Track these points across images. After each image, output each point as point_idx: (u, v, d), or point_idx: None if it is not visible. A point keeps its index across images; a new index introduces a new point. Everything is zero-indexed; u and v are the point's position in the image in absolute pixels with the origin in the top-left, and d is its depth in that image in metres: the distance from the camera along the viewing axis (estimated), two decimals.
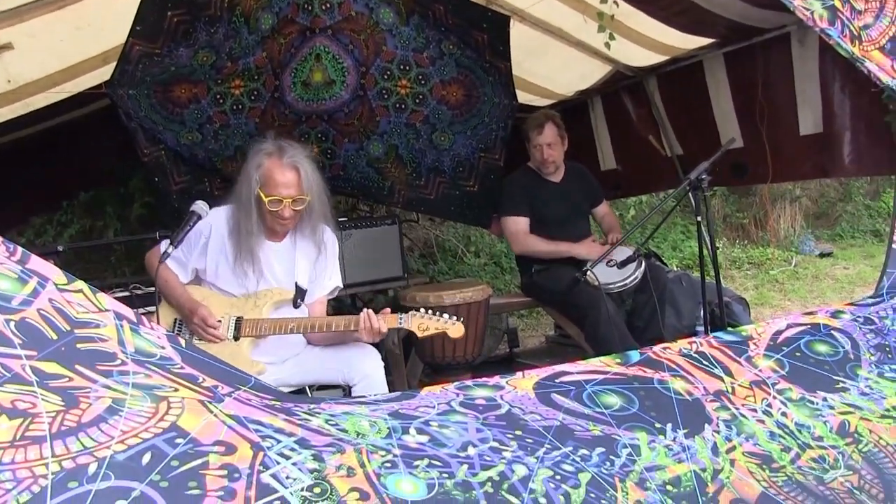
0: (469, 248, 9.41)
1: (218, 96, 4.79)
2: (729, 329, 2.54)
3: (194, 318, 3.00)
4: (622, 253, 4.09)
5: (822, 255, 10.08)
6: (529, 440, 1.77)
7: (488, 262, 9.31)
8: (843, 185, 11.56)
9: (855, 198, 11.63)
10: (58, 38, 3.85)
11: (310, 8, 4.65)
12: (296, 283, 3.17)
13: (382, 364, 3.14)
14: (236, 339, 3.04)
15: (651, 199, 10.07)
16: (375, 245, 5.51)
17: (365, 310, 2.99)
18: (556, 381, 2.06)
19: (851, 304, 2.74)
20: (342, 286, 3.43)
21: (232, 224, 3.09)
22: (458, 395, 1.94)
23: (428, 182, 5.55)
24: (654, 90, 5.86)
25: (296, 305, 3.17)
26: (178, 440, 1.52)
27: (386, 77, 5.11)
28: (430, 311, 3.01)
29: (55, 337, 1.63)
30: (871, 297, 2.81)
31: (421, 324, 2.98)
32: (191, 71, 4.53)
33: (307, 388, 3.43)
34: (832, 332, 2.49)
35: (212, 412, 1.62)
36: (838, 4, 3.32)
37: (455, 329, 2.99)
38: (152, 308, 3.31)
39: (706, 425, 1.98)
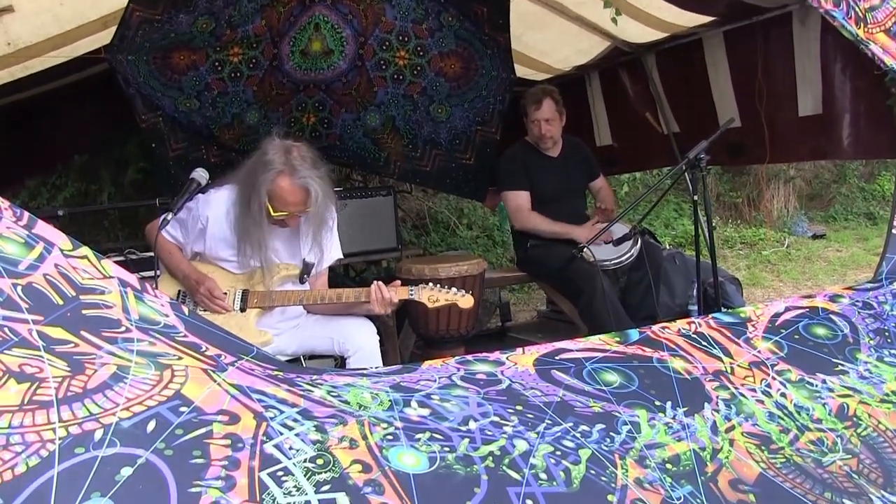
0: (462, 221, 9.41)
1: (216, 63, 4.75)
2: (727, 310, 2.54)
3: (200, 289, 2.99)
4: (618, 230, 4.09)
5: (815, 237, 10.13)
6: (530, 415, 1.78)
7: (480, 235, 9.32)
8: (838, 166, 11.58)
9: (850, 180, 11.67)
10: (58, 1, 3.79)
11: None
12: (303, 260, 3.16)
13: (378, 336, 3.14)
14: (242, 310, 3.04)
15: (645, 177, 10.08)
16: (370, 216, 5.50)
17: (375, 282, 3.01)
18: (557, 357, 2.06)
19: (850, 288, 2.74)
20: (342, 256, 3.43)
21: (235, 217, 3.04)
22: (458, 369, 1.95)
23: (424, 154, 5.53)
24: (653, 67, 5.82)
25: (301, 281, 3.17)
26: (183, 408, 1.52)
27: (384, 48, 5.08)
28: (438, 284, 3.06)
29: (61, 302, 1.62)
30: (870, 282, 2.82)
31: (431, 295, 3.03)
32: (190, 38, 4.48)
33: (301, 358, 3.45)
34: (831, 315, 2.50)
35: (215, 381, 1.61)
36: None
37: (465, 300, 3.04)
38: (147, 273, 3.30)
39: (706, 404, 1.99)
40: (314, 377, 1.80)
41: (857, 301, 2.65)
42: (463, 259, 4.05)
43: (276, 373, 1.76)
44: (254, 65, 4.88)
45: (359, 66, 5.13)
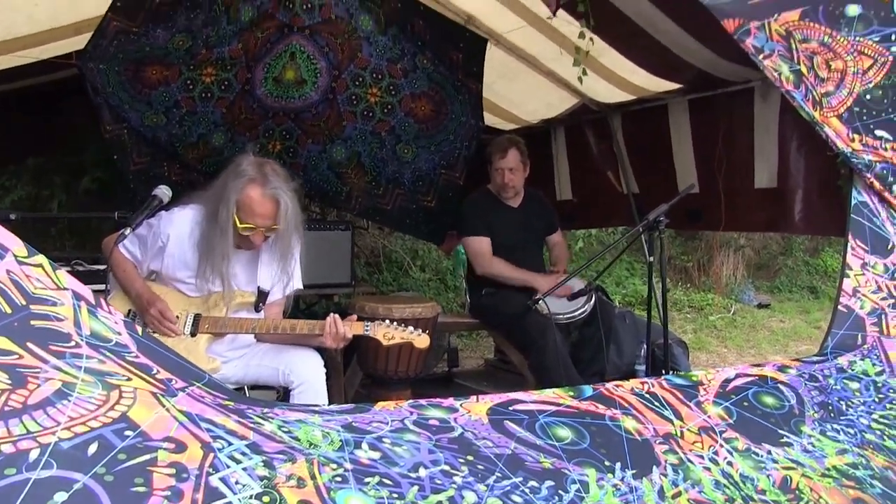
0: (415, 262, 9.40)
1: (188, 82, 4.72)
2: (679, 373, 2.56)
3: (151, 310, 2.92)
4: (574, 285, 4.12)
5: (760, 306, 10.31)
6: (481, 467, 1.76)
7: (433, 278, 9.31)
8: (786, 239, 11.84)
9: (795, 253, 11.94)
10: (33, 1, 3.75)
11: (291, 6, 4.62)
12: (258, 287, 3.12)
13: (324, 370, 3.09)
14: (193, 335, 2.97)
15: (600, 234, 10.20)
16: (326, 249, 5.46)
17: (332, 315, 2.97)
18: (510, 408, 2.05)
19: (798, 360, 2.79)
20: (302, 287, 3.36)
21: (199, 236, 2.99)
22: (412, 413, 1.92)
23: (386, 192, 5.53)
24: (618, 127, 5.93)
25: (257, 309, 3.13)
26: (128, 432, 1.46)
27: (357, 83, 5.09)
28: (394, 322, 3.02)
29: (9, 311, 1.56)
30: (816, 356, 2.87)
31: (386, 333, 2.99)
32: (165, 53, 4.45)
33: (245, 387, 3.38)
34: (779, 385, 2.54)
35: (164, 406, 1.56)
36: (804, 70, 3.41)
37: (421, 340, 3.01)
38: (96, 287, 3.21)
39: (654, 468, 1.99)
40: (265, 410, 1.76)
41: (804, 373, 2.69)
42: (417, 301, 4.03)
43: (226, 402, 1.72)
44: (225, 87, 4.85)
45: (330, 99, 5.13)
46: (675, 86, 5.17)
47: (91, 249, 6.34)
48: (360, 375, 4.50)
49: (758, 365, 2.70)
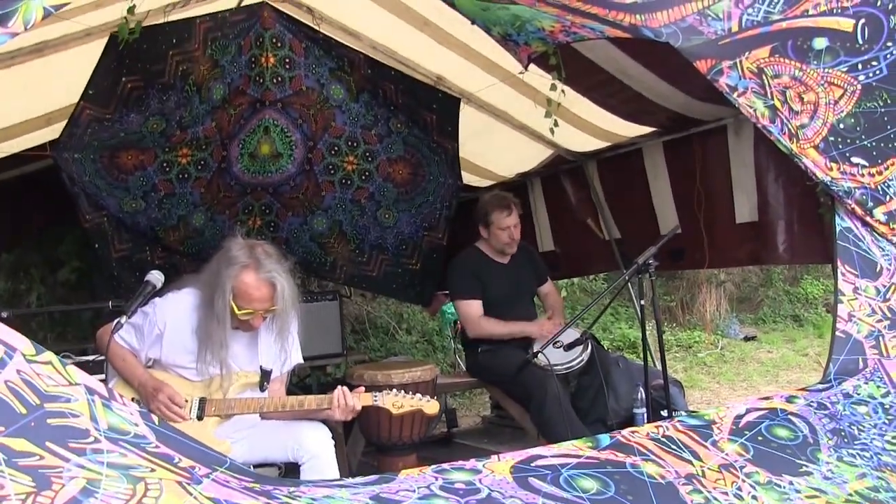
0: (401, 326, 9.36)
1: (164, 164, 4.72)
2: (692, 413, 2.56)
3: (159, 396, 2.87)
4: (569, 335, 4.12)
5: (746, 339, 10.36)
6: None
7: (420, 340, 9.27)
8: (765, 271, 11.95)
9: (776, 283, 12.04)
10: (2, 96, 3.76)
11: (261, 81, 4.66)
12: (261, 367, 3.08)
13: (333, 442, 3.04)
14: (200, 418, 2.93)
15: (581, 282, 10.24)
16: (315, 320, 5.43)
17: (339, 387, 2.95)
18: (532, 464, 2.03)
19: (804, 389, 2.80)
20: (302, 361, 3.34)
21: (197, 322, 2.97)
22: (436, 478, 1.89)
23: (371, 259, 5.53)
24: (594, 174, 5.99)
25: (262, 389, 3.08)
26: None
27: (333, 152, 5.13)
28: (402, 391, 3.00)
29: (24, 412, 1.53)
30: (821, 383, 2.88)
31: (395, 402, 2.96)
32: (140, 137, 4.47)
33: (250, 466, 3.32)
34: (790, 416, 2.54)
35: (191, 495, 1.53)
36: (778, 104, 3.48)
37: (431, 406, 2.99)
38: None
39: None
40: (292, 489, 1.73)
41: (812, 402, 2.69)
42: (415, 365, 4.02)
43: (252, 485, 1.68)
44: (202, 166, 4.86)
45: (307, 171, 5.16)
46: (648, 129, 5.25)
47: (73, 340, 6.26)
48: (362, 444, 4.45)
49: (766, 398, 2.71)
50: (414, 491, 1.80)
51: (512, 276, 4.70)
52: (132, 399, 2.87)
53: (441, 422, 5.95)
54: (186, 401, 2.93)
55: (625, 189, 5.80)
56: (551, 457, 2.06)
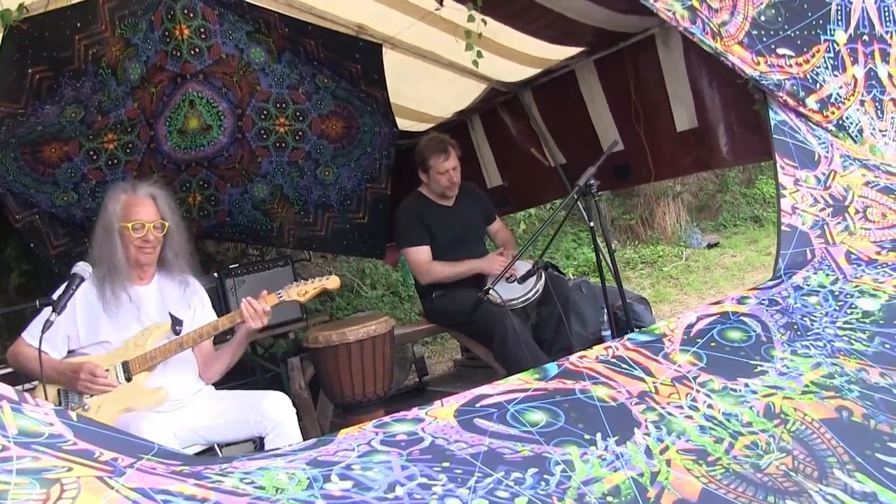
0: (364, 282, 9.29)
1: (91, 153, 4.57)
2: (641, 330, 2.52)
3: (81, 375, 2.85)
4: (521, 268, 4.06)
5: (709, 247, 10.40)
6: (459, 471, 1.68)
7: (385, 293, 9.21)
8: (719, 176, 11.98)
9: (731, 187, 12.07)
10: None
11: (178, 54, 4.49)
12: (169, 314, 3.10)
13: (293, 408, 3.00)
14: (129, 380, 2.94)
15: (540, 212, 10.19)
16: (270, 288, 5.32)
17: (244, 299, 3.04)
18: (477, 405, 1.97)
19: (755, 288, 2.77)
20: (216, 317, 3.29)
21: (98, 277, 3.00)
22: (377, 433, 1.83)
23: (317, 218, 5.43)
24: (531, 103, 5.90)
25: (176, 333, 3.07)
26: None
27: (263, 117, 4.99)
28: (301, 279, 3.24)
29: None
30: (771, 280, 2.85)
31: (299, 290, 3.17)
32: (59, 129, 4.29)
33: (217, 447, 3.29)
34: (741, 318, 2.51)
35: (113, 488, 1.45)
36: (696, 4, 3.41)
37: (331, 282, 3.22)
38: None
39: (635, 429, 1.93)
40: (224, 466, 1.66)
41: (764, 300, 2.67)
42: (369, 319, 3.94)
43: (181, 468, 1.61)
44: (131, 149, 4.71)
45: (239, 139, 5.02)
46: (576, 50, 5.16)
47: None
48: (330, 407, 4.39)
49: (717, 303, 2.68)
50: (353, 449, 1.74)
51: (458, 217, 4.62)
52: (57, 391, 2.84)
53: (412, 372, 5.92)
54: (107, 370, 2.92)
55: (563, 113, 5.73)
56: (497, 395, 2.01)
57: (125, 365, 2.95)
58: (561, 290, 4.36)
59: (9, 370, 3.94)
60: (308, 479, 1.59)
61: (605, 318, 5.50)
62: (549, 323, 4.38)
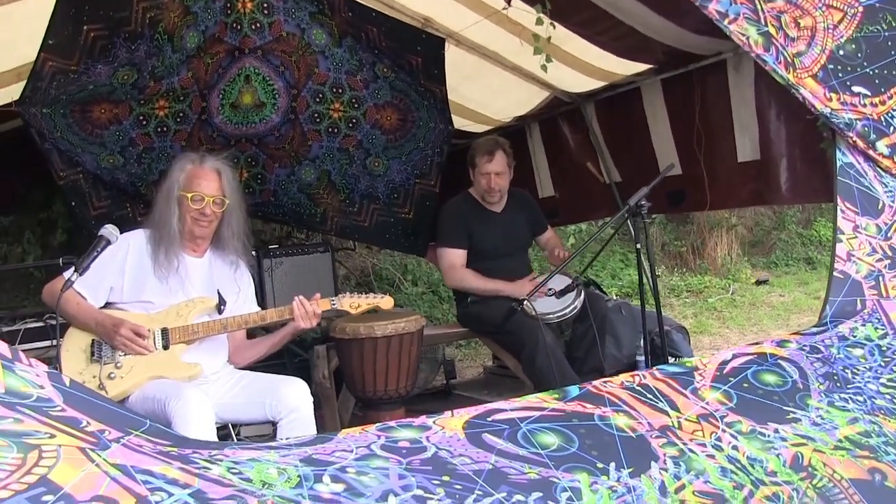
0: (406, 277, 9.26)
1: (141, 118, 4.56)
2: (673, 361, 2.41)
3: (122, 331, 2.85)
4: (561, 282, 3.97)
5: (758, 283, 10.16)
6: (458, 486, 1.60)
7: (426, 291, 9.16)
8: (777, 213, 11.72)
9: (788, 226, 11.80)
10: None
11: (238, 27, 4.46)
12: (217, 291, 3.11)
13: (311, 397, 2.96)
14: (166, 348, 2.94)
15: (591, 228, 10.04)
16: (306, 273, 5.32)
17: (296, 297, 3.07)
18: (489, 419, 1.89)
19: (797, 333, 2.64)
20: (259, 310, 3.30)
21: (154, 239, 3.05)
22: (379, 437, 1.76)
23: (361, 209, 5.38)
24: (592, 116, 5.79)
25: (219, 311, 3.09)
26: (47, 497, 1.29)
27: (318, 100, 4.95)
28: (356, 292, 3.28)
29: None
30: (815, 326, 2.72)
31: (352, 302, 3.21)
32: (111, 90, 4.29)
33: (230, 427, 3.28)
34: (779, 361, 2.38)
35: (93, 461, 1.40)
36: (773, 31, 3.27)
37: (385, 301, 3.28)
38: None
39: (652, 462, 1.83)
40: (213, 452, 1.59)
41: (805, 346, 2.54)
42: (399, 316, 3.87)
43: (169, 449, 1.55)
44: (181, 119, 4.69)
45: (292, 120, 4.98)
46: (644, 67, 5.04)
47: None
48: (352, 401, 4.34)
49: (756, 343, 2.55)
50: (351, 451, 1.67)
51: (504, 225, 4.52)
52: (92, 341, 2.81)
53: (440, 374, 5.85)
54: (149, 332, 2.91)
55: (624, 130, 5.61)
56: (511, 410, 1.92)
57: (164, 332, 2.95)
58: (598, 310, 4.26)
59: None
60: (299, 476, 1.53)
61: (642, 342, 5.39)
62: (583, 341, 4.28)
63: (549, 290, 3.88)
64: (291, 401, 2.92)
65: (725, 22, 3.19)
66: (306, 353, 5.09)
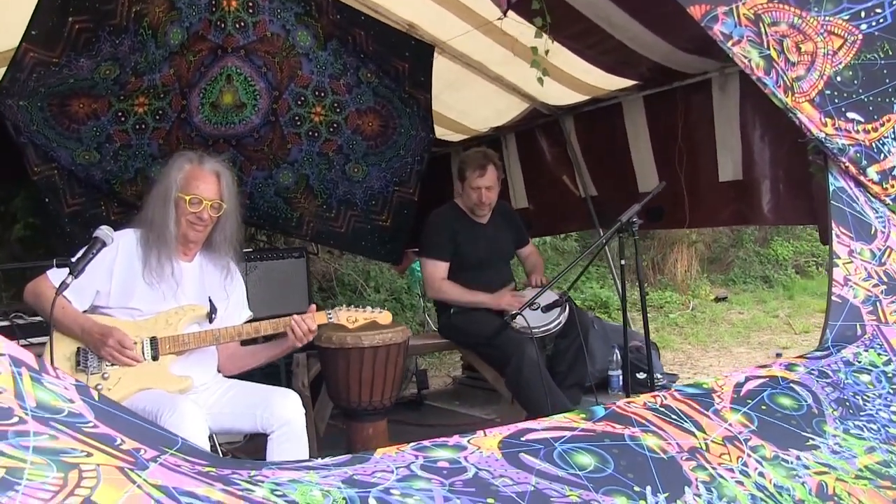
0: (369, 284, 9.18)
1: (119, 114, 4.41)
2: (690, 383, 2.39)
3: (108, 342, 2.68)
4: (547, 297, 3.94)
5: (717, 300, 10.29)
6: None
7: (388, 298, 9.09)
8: (735, 231, 11.90)
9: (746, 244, 12.00)
10: None
11: (223, 25, 4.36)
12: (209, 298, 2.97)
13: (303, 410, 2.86)
14: (155, 358, 2.78)
15: (554, 240, 10.09)
16: (281, 279, 5.22)
17: (292, 317, 2.94)
18: (522, 438, 1.84)
19: (803, 356, 2.64)
20: (252, 314, 3.21)
21: (145, 241, 2.89)
22: (416, 456, 1.69)
23: (339, 215, 5.30)
24: (571, 130, 5.80)
25: (210, 320, 2.95)
26: None
27: (300, 103, 4.86)
28: (352, 305, 3.13)
29: None
30: (819, 350, 2.72)
31: (349, 316, 3.09)
32: (91, 84, 4.15)
33: (213, 437, 3.16)
34: (791, 385, 2.37)
35: (134, 483, 1.30)
36: (774, 55, 3.28)
37: (383, 316, 3.16)
38: (36, 340, 3.01)
39: (686, 488, 1.80)
40: (252, 473, 1.51)
41: (813, 370, 2.54)
42: (386, 327, 3.79)
43: (208, 469, 1.46)
44: (160, 116, 4.56)
45: (272, 122, 4.88)
46: (629, 83, 5.06)
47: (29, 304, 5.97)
48: (329, 408, 4.25)
49: (764, 366, 2.54)
50: (392, 472, 1.60)
51: (489, 237, 4.47)
52: (77, 349, 2.69)
53: (411, 383, 5.79)
54: (136, 342, 2.77)
55: (603, 145, 5.62)
56: (542, 430, 1.87)
57: (154, 342, 2.80)
58: (583, 324, 4.24)
59: (35, 319, 3.80)
60: (344, 499, 1.45)
61: (616, 357, 5.41)
62: (566, 356, 4.26)
63: (535, 304, 3.85)
64: (284, 414, 2.81)
65: (729, 44, 3.19)
66: (277, 362, 4.99)
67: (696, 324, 9.22)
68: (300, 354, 4.28)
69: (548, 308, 3.92)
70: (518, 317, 3.63)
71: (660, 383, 5.02)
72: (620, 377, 5.14)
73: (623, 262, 3.80)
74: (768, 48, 3.24)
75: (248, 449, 4.09)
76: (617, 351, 5.37)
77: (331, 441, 4.05)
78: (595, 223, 6.01)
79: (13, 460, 1.25)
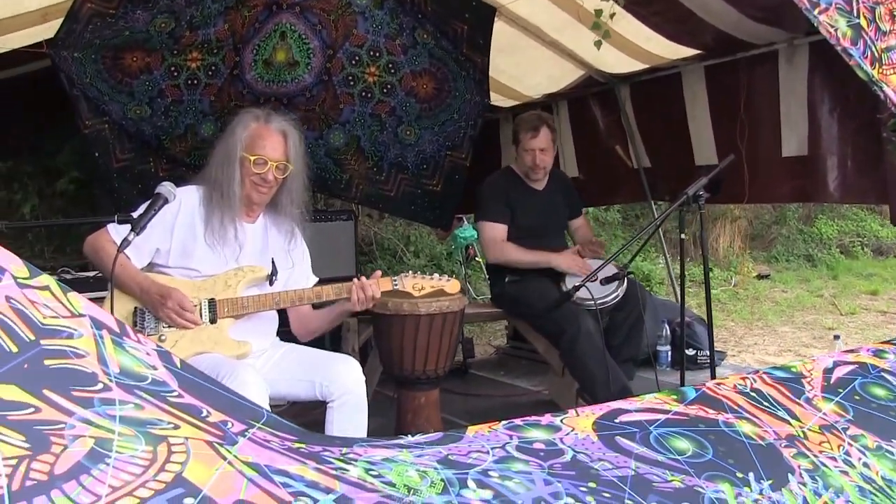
0: (409, 248, 9.10)
1: (172, 68, 4.34)
2: (778, 366, 2.27)
3: (167, 303, 2.61)
4: (607, 269, 3.83)
5: (759, 277, 10.10)
6: (607, 494, 1.45)
7: (427, 264, 9.01)
8: (778, 208, 11.64)
9: (790, 221, 11.74)
10: None
11: None
12: (271, 259, 2.88)
13: (364, 378, 2.78)
14: (213, 321, 2.69)
15: (595, 211, 9.92)
16: (329, 241, 5.15)
17: (356, 279, 2.83)
18: (616, 420, 1.74)
19: (890, 342, 2.50)
20: (318, 279, 3.14)
21: (207, 200, 2.80)
22: (511, 436, 1.60)
23: (389, 178, 5.20)
24: (626, 99, 5.63)
25: (271, 283, 2.86)
26: (188, 500, 1.11)
27: (354, 62, 4.75)
28: (419, 273, 3.01)
29: (15, 350, 1.21)
30: None
31: (416, 284, 2.97)
32: (146, 38, 4.07)
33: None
34: (882, 374, 2.25)
35: (225, 459, 1.21)
36: (864, 24, 3.11)
37: (451, 285, 3.03)
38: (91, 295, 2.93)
39: (789, 475, 1.69)
40: (344, 450, 1.42)
41: None
42: (442, 294, 3.70)
43: (298, 444, 1.37)
44: (213, 72, 4.48)
45: (325, 81, 4.78)
46: (690, 52, 4.88)
47: (72, 255, 5.94)
48: (378, 373, 4.18)
49: (851, 351, 2.42)
50: (488, 452, 1.50)
51: (545, 204, 4.36)
52: (134, 308, 2.61)
53: (458, 352, 5.72)
54: (195, 304, 2.68)
55: (659, 116, 5.45)
56: (635, 411, 1.77)
57: (212, 304, 2.71)
58: (642, 298, 4.13)
59: (84, 274, 3.76)
60: (443, 480, 1.36)
61: (665, 332, 5.28)
62: (621, 330, 4.15)
63: (595, 276, 3.75)
64: (346, 382, 2.74)
65: (815, 12, 3.03)
66: None
67: (739, 300, 9.05)
68: (351, 319, 4.21)
69: (607, 281, 3.81)
70: (583, 288, 3.51)
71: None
72: (669, 352, 5.01)
73: (683, 236, 3.67)
74: (858, 16, 3.07)
75: (290, 413, 4.04)
76: (666, 326, 5.25)
77: (377, 408, 3.98)
78: (647, 195, 5.87)
79: (102, 430, 1.17)
